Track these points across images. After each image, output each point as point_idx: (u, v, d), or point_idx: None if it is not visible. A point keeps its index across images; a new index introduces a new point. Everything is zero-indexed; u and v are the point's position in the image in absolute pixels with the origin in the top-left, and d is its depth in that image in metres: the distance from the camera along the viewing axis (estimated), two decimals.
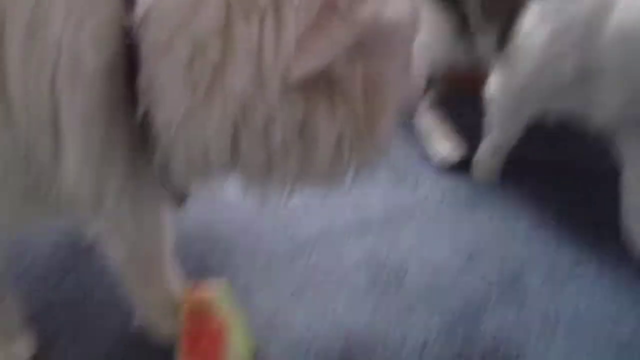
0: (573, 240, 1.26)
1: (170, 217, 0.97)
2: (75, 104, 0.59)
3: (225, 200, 0.89)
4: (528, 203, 1.36)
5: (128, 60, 0.60)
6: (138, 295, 1.01)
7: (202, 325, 0.97)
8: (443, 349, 1.03)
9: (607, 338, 1.06)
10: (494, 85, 1.24)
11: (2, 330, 0.99)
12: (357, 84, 0.63)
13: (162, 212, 0.96)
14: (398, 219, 1.31)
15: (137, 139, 0.63)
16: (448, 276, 1.17)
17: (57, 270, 1.17)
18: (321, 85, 0.61)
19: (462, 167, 1.41)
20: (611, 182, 1.25)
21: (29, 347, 1.00)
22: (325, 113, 0.62)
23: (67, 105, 0.59)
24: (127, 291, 1.00)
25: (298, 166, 0.65)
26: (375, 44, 0.63)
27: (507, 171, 1.45)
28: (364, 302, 1.12)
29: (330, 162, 0.65)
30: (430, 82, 1.33)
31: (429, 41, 1.31)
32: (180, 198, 0.76)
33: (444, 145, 1.44)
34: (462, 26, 1.31)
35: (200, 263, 1.17)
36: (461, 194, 1.39)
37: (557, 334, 1.06)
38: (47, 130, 0.61)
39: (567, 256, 1.22)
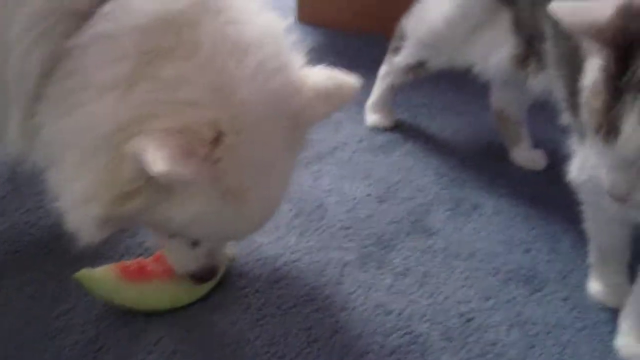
0: (475, 180, 1.42)
1: None
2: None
3: None
4: (437, 149, 1.51)
5: None
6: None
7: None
8: (359, 273, 1.16)
9: (497, 267, 1.20)
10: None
11: None
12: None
13: None
14: (319, 160, 1.43)
15: None
16: (364, 210, 1.30)
17: None
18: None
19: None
20: None
21: None
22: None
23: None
24: None
25: None
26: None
27: (420, 119, 1.59)
28: (289, 233, 1.23)
29: None
30: None
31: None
32: None
33: (374, 116, 1.56)
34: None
35: None
36: (378, 140, 1.52)
37: (457, 262, 1.20)
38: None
39: (470, 195, 1.37)
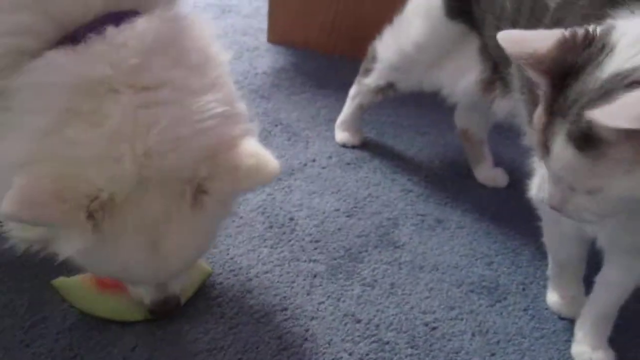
0: (439, 196, 1.47)
1: None
2: None
3: None
4: (403, 166, 1.56)
5: None
6: None
7: None
8: (328, 284, 1.19)
9: (461, 279, 1.25)
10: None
11: None
12: None
13: None
14: (290, 175, 1.47)
15: None
16: (333, 224, 1.34)
17: None
18: None
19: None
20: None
21: None
22: None
23: None
24: None
25: None
26: None
27: (387, 138, 1.65)
28: (261, 245, 1.26)
29: None
30: None
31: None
32: None
33: (343, 134, 1.61)
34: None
35: None
36: (347, 157, 1.57)
37: (423, 274, 1.25)
38: None
39: (434, 210, 1.43)
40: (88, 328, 1.05)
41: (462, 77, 1.35)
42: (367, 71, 1.51)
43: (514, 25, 1.14)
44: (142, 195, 0.81)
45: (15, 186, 0.74)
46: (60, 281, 1.05)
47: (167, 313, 1.03)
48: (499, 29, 1.19)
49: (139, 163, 0.79)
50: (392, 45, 1.44)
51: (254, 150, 0.85)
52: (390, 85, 1.49)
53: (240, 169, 0.83)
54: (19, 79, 0.80)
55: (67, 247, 0.83)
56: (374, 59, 1.49)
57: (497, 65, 1.27)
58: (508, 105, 1.27)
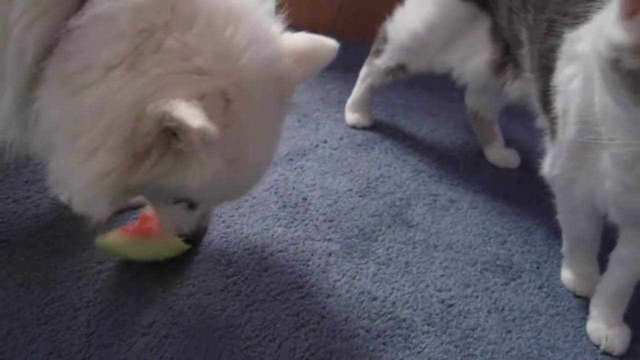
0: (451, 177, 1.47)
1: None
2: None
3: None
4: (414, 147, 1.56)
5: None
6: None
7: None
8: (343, 263, 1.19)
9: (475, 258, 1.25)
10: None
11: None
12: None
13: None
14: (302, 156, 1.46)
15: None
16: (347, 204, 1.34)
17: None
18: None
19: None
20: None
21: None
22: None
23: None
24: None
25: None
26: None
27: (398, 119, 1.65)
28: (275, 224, 1.26)
29: None
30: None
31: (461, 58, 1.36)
32: None
33: (353, 115, 1.61)
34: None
35: None
36: (358, 138, 1.57)
37: (437, 253, 1.25)
38: None
39: (447, 190, 1.43)
40: (106, 304, 1.04)
41: (472, 58, 1.35)
42: (378, 52, 1.50)
43: (525, 5, 1.14)
44: (254, 97, 0.81)
45: (183, 106, 0.71)
46: (103, 241, 1.08)
47: (200, 239, 1.08)
48: (510, 10, 1.19)
49: (248, 55, 0.79)
50: (402, 26, 1.44)
51: (304, 36, 0.89)
52: (400, 67, 1.48)
53: (306, 56, 0.86)
54: (82, 16, 0.76)
55: (198, 175, 0.79)
56: (384, 40, 1.48)
57: (508, 46, 1.27)
58: (520, 86, 1.27)
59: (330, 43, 0.89)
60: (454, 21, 1.35)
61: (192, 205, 0.96)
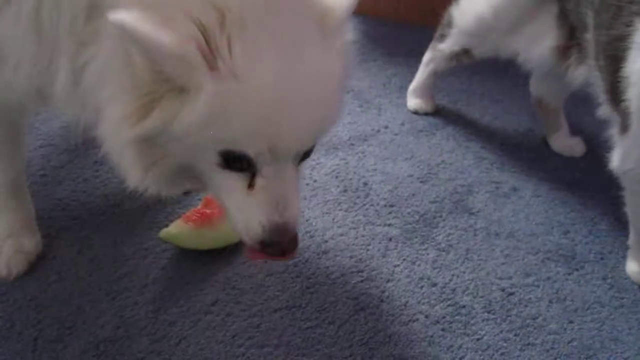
0: (514, 164, 1.45)
1: None
2: None
3: None
4: (476, 133, 1.55)
5: None
6: None
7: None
8: (403, 248, 1.20)
9: (536, 247, 1.23)
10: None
11: (17, 223, 1.06)
12: None
13: None
14: (363, 141, 1.47)
15: None
16: (407, 189, 1.34)
17: (54, 173, 1.28)
18: None
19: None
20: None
21: (37, 242, 1.08)
22: None
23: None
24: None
25: None
26: None
27: (460, 105, 1.63)
28: (336, 208, 1.27)
29: None
30: None
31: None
32: None
33: (416, 101, 1.60)
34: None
35: None
36: (419, 124, 1.56)
37: (498, 241, 1.24)
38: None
39: (509, 178, 1.41)
40: (170, 282, 1.07)
41: (538, 43, 1.33)
42: (442, 37, 1.49)
43: None
44: (268, 24, 0.70)
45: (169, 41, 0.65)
46: (165, 232, 1.11)
47: (285, 247, 0.81)
48: None
49: None
50: (468, 10, 1.43)
51: None
52: (465, 51, 1.47)
53: None
54: None
55: (203, 107, 0.69)
56: (449, 24, 1.47)
57: (573, 30, 1.24)
58: (583, 72, 1.24)
59: None
60: (521, 6, 1.33)
61: (251, 184, 0.78)
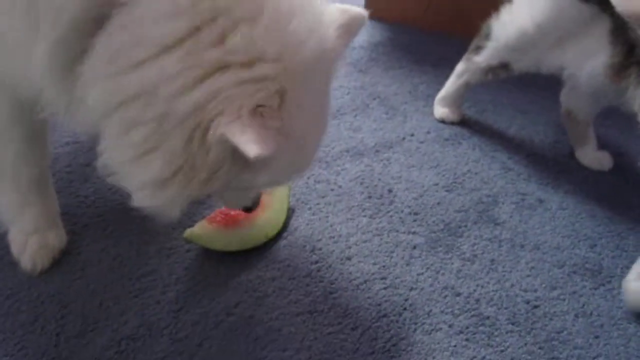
0: (540, 176, 1.44)
1: None
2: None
3: None
4: (503, 144, 1.53)
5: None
6: None
7: None
8: (427, 256, 1.19)
9: (562, 260, 1.22)
10: None
11: (42, 219, 1.07)
12: None
13: None
14: (388, 148, 1.46)
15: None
16: (432, 198, 1.33)
17: (80, 171, 1.28)
18: None
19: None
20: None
21: (61, 238, 1.09)
22: None
23: None
24: None
25: None
26: None
27: (487, 115, 1.62)
28: (360, 214, 1.26)
29: None
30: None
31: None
32: None
33: (443, 110, 1.59)
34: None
35: None
36: (445, 132, 1.55)
37: (523, 253, 1.22)
38: None
39: (535, 189, 1.40)
40: (193, 282, 1.07)
41: (589, 60, 1.28)
42: (479, 49, 1.46)
43: None
44: (310, 84, 0.78)
45: (239, 131, 0.68)
46: (190, 232, 1.11)
47: (254, 208, 1.04)
48: None
49: (308, 46, 0.74)
50: (510, 24, 1.38)
51: (338, 8, 0.83)
52: (503, 65, 1.43)
53: (343, 29, 0.82)
54: None
55: (267, 174, 0.79)
56: (487, 36, 1.44)
57: (632, 48, 1.21)
58: None
59: (361, 12, 0.85)
60: (569, 21, 1.29)
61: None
